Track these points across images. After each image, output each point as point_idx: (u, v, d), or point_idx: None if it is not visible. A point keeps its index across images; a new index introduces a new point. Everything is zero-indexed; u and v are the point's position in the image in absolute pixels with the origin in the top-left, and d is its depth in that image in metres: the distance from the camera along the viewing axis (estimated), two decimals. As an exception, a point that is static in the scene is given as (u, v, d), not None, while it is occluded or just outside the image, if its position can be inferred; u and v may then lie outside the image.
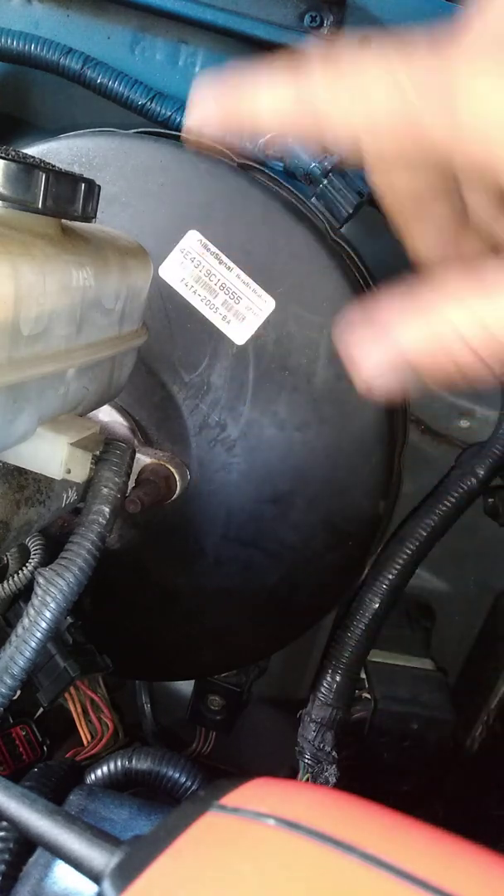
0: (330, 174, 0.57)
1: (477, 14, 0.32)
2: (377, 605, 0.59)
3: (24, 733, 0.69)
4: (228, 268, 0.58)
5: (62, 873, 0.37)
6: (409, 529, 0.60)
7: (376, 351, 0.31)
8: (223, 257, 0.58)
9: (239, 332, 0.58)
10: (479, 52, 0.30)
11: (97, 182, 0.39)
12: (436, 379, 0.30)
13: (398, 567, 0.60)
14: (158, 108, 0.61)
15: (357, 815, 0.32)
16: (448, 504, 0.60)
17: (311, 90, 0.31)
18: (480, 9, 0.32)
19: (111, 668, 0.64)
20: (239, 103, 0.33)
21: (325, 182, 0.58)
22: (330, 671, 0.59)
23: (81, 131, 0.62)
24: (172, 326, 0.59)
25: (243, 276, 0.58)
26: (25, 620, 0.43)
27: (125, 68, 0.61)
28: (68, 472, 0.41)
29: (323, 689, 0.59)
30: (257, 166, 0.61)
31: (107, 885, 0.29)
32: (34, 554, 0.60)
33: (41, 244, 0.35)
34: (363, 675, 0.66)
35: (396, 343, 0.30)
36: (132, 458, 0.49)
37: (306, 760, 0.58)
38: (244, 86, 0.32)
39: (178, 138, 0.61)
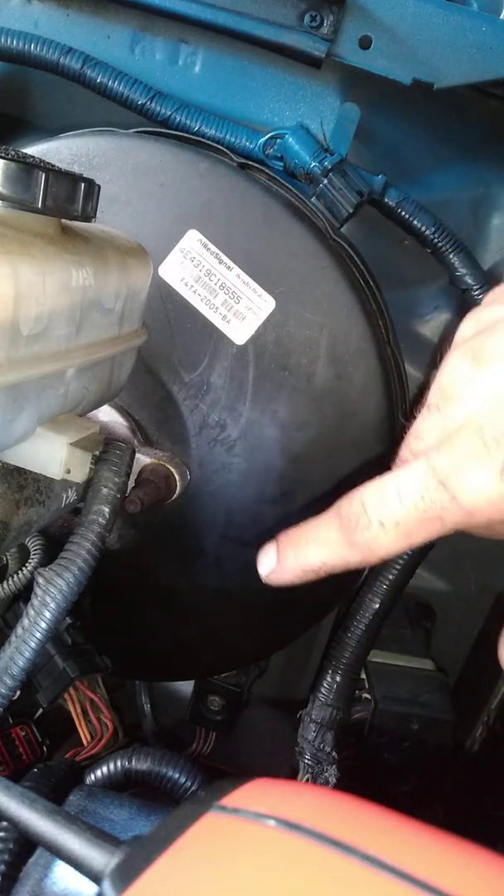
0: (330, 174, 0.57)
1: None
2: (377, 606, 0.59)
3: (23, 734, 0.69)
4: (228, 267, 0.58)
5: (62, 873, 0.37)
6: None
7: None
8: (223, 257, 0.58)
9: (239, 331, 0.58)
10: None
11: (97, 181, 0.39)
12: None
13: (398, 567, 0.60)
14: (158, 108, 0.61)
15: (357, 815, 0.32)
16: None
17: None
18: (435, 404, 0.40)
19: (110, 668, 0.64)
20: (298, 563, 0.45)
21: (326, 182, 0.58)
22: (330, 671, 0.59)
23: (81, 131, 0.62)
24: (172, 326, 0.59)
25: (243, 275, 0.58)
26: (25, 621, 0.43)
27: (125, 68, 0.61)
28: (68, 472, 0.41)
29: (323, 690, 0.59)
30: (257, 166, 0.61)
31: (107, 886, 0.29)
32: (34, 554, 0.60)
33: (41, 244, 0.35)
34: (363, 676, 0.66)
35: None
36: (132, 458, 0.49)
37: (306, 761, 0.58)
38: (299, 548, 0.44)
39: (178, 138, 0.61)
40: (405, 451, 0.43)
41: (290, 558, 0.45)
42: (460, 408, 0.38)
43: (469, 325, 0.42)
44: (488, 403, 0.37)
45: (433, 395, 0.41)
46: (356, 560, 0.42)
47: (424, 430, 0.41)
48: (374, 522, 0.40)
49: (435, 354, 0.70)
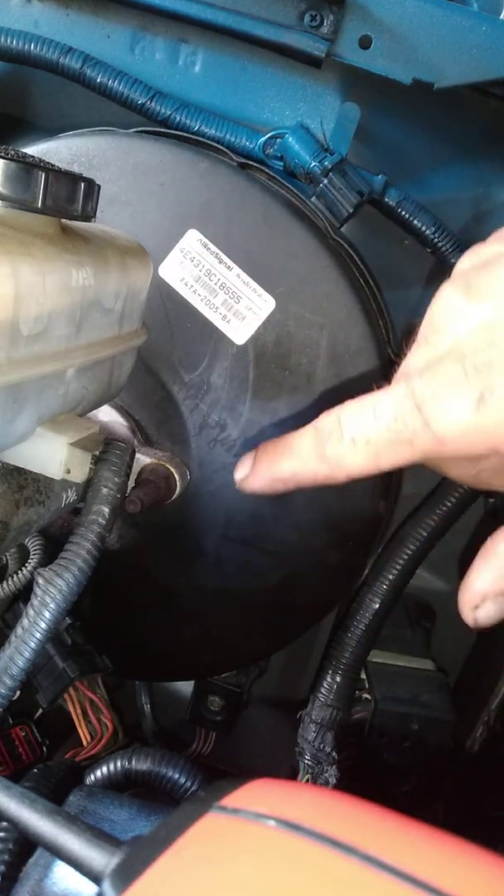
0: (330, 173, 0.57)
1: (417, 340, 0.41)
2: (377, 606, 0.59)
3: (23, 734, 0.69)
4: (228, 267, 0.58)
5: (62, 874, 0.37)
6: (409, 530, 0.60)
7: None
8: (223, 257, 0.58)
9: (239, 331, 0.58)
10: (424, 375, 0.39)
11: (97, 181, 0.39)
12: None
13: (398, 567, 0.60)
14: (158, 108, 0.61)
15: (357, 816, 0.32)
16: (448, 504, 0.59)
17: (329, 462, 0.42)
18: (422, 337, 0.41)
19: (110, 668, 0.64)
20: (270, 471, 0.45)
21: (326, 181, 0.58)
22: (330, 671, 0.59)
23: (81, 131, 0.62)
24: (172, 326, 0.59)
25: (243, 275, 0.58)
26: (25, 621, 0.43)
27: (125, 67, 0.61)
28: (68, 472, 0.41)
29: (323, 690, 0.59)
30: (257, 166, 0.61)
31: (107, 886, 0.29)
32: (33, 554, 0.60)
33: (41, 244, 0.35)
34: (363, 676, 0.66)
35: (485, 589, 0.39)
36: (132, 458, 0.49)
37: (306, 761, 0.58)
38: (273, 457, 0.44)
39: (178, 137, 0.61)
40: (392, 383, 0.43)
41: (264, 466, 0.45)
42: (447, 338, 0.38)
43: (467, 260, 0.42)
44: (475, 333, 0.37)
45: (423, 327, 0.41)
46: (323, 474, 0.42)
47: (412, 361, 0.41)
48: (347, 438, 0.40)
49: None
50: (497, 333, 0.36)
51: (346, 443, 0.40)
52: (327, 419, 0.42)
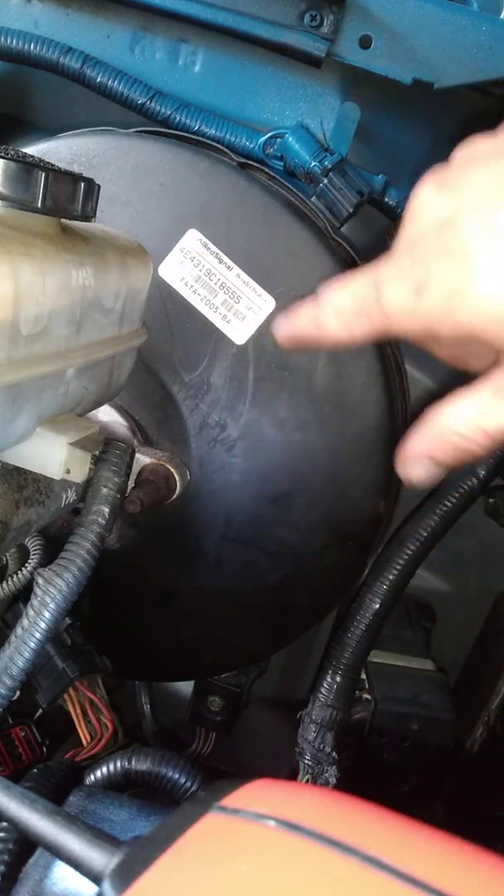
0: (330, 173, 0.57)
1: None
2: (377, 606, 0.59)
3: (23, 734, 0.69)
4: (228, 267, 0.58)
5: (62, 874, 0.37)
6: (409, 530, 0.60)
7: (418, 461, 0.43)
8: (223, 256, 0.58)
9: (239, 331, 0.58)
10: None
11: (97, 181, 0.39)
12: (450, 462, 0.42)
13: (399, 567, 0.60)
14: (158, 107, 0.61)
15: (357, 816, 0.32)
16: (448, 504, 0.60)
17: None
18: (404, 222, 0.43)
19: (110, 669, 0.64)
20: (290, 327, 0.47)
21: (326, 181, 0.58)
22: (330, 672, 0.59)
23: (81, 130, 0.62)
24: (172, 326, 0.59)
25: (243, 275, 0.58)
26: (24, 621, 0.43)
27: (125, 67, 0.61)
28: (67, 472, 0.41)
29: (323, 690, 0.59)
30: (257, 165, 0.61)
31: (107, 886, 0.29)
32: (33, 554, 0.59)
33: (41, 243, 0.35)
34: (363, 676, 0.66)
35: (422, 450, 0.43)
36: (132, 458, 0.49)
37: (306, 761, 0.58)
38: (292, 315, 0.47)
39: (178, 137, 0.61)
40: None
41: (286, 324, 0.48)
42: (413, 226, 0.41)
43: (461, 153, 0.44)
44: (430, 225, 0.39)
45: (405, 211, 0.43)
46: (312, 335, 0.46)
47: (394, 243, 0.44)
48: (329, 308, 0.44)
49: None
50: (447, 227, 0.38)
51: (329, 312, 0.44)
52: (323, 289, 0.46)
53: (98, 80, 0.60)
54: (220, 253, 0.58)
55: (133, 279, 0.45)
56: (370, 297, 0.42)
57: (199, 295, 0.58)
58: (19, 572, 0.60)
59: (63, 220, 0.39)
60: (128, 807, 0.44)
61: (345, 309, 0.43)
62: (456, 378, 0.40)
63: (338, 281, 0.45)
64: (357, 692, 0.63)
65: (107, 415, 0.59)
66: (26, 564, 0.60)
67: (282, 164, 0.60)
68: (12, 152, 0.36)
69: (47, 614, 0.43)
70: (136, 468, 0.54)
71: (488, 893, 0.28)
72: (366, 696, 0.65)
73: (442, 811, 0.71)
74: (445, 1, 0.56)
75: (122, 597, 0.66)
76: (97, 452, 0.46)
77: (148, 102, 0.61)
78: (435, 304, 0.38)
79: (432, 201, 0.40)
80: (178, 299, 0.58)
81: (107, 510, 0.45)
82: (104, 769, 0.49)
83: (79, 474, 0.42)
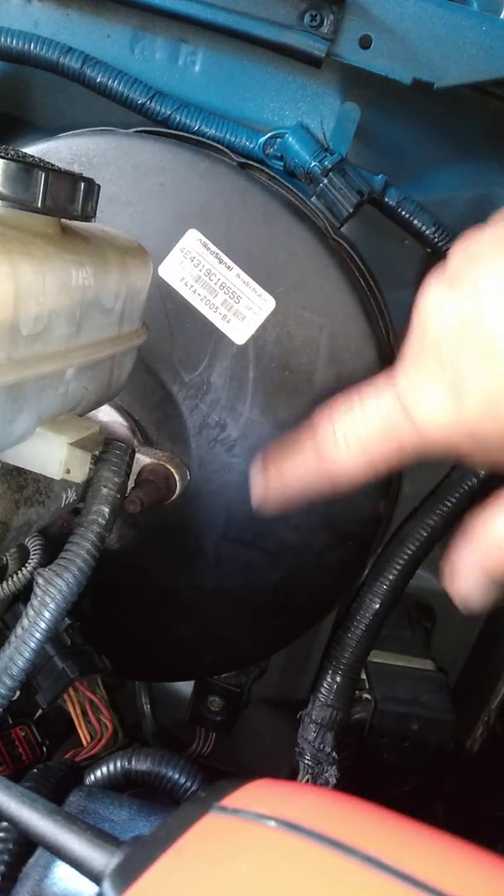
0: (330, 173, 0.57)
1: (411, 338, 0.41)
2: (377, 606, 0.59)
3: (23, 734, 0.69)
4: (228, 267, 0.58)
5: (62, 874, 0.37)
6: (409, 530, 0.60)
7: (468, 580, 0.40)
8: (223, 256, 0.58)
9: (239, 331, 0.58)
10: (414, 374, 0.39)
11: (97, 181, 0.39)
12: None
13: (399, 567, 0.59)
14: (158, 107, 0.61)
15: (358, 816, 0.32)
16: (448, 504, 0.59)
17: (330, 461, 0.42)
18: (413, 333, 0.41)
19: (110, 669, 0.64)
20: (280, 478, 0.45)
21: (326, 181, 0.58)
22: (330, 672, 0.59)
23: (81, 130, 0.62)
24: (172, 326, 0.59)
25: (243, 275, 0.58)
26: (24, 621, 0.43)
27: (125, 67, 0.61)
28: (68, 472, 0.41)
29: (323, 690, 0.59)
30: (257, 165, 0.61)
31: (107, 886, 0.29)
32: (33, 554, 0.59)
33: (41, 243, 0.35)
34: (363, 676, 0.66)
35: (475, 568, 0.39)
36: (132, 458, 0.49)
37: (306, 761, 0.58)
38: (279, 463, 0.44)
39: (178, 137, 0.61)
40: None
41: (274, 475, 0.45)
42: (430, 329, 0.39)
43: (457, 250, 0.42)
44: (452, 325, 0.37)
45: (413, 318, 0.41)
46: (324, 477, 0.42)
47: (404, 352, 0.42)
48: (340, 439, 0.40)
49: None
50: (472, 326, 0.37)
51: (340, 444, 0.40)
52: (321, 420, 0.42)
53: (98, 80, 0.60)
54: (220, 253, 0.58)
55: (133, 279, 0.45)
56: (396, 415, 0.38)
57: (199, 295, 0.58)
58: (19, 572, 0.60)
59: (63, 220, 0.39)
60: (128, 807, 0.44)
61: (363, 435, 0.39)
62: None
63: (336, 407, 0.41)
64: (357, 692, 0.63)
65: (107, 415, 0.59)
66: (26, 564, 0.60)
67: (282, 164, 0.60)
68: (12, 152, 0.36)
69: (47, 614, 0.43)
70: (136, 468, 0.54)
71: (488, 894, 0.28)
72: (366, 696, 0.65)
73: (442, 811, 0.71)
74: (445, 1, 0.56)
75: (122, 597, 0.66)
76: (97, 452, 0.46)
77: (148, 102, 0.61)
78: (476, 407, 0.36)
79: (446, 303, 0.38)
80: (178, 299, 0.58)
81: (107, 510, 0.45)
82: (104, 769, 0.49)
83: (79, 474, 0.42)
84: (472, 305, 0.37)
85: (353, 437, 0.40)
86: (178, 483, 0.58)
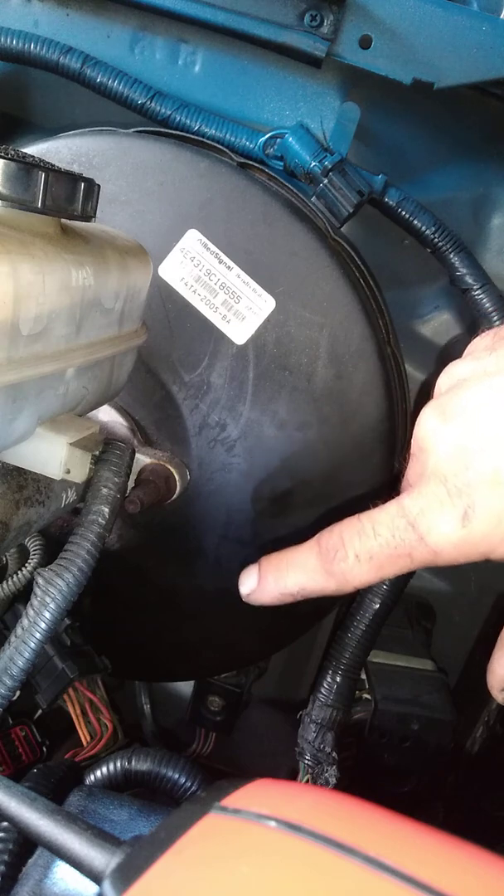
0: (330, 173, 0.57)
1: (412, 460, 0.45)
2: (377, 606, 0.59)
3: (23, 734, 0.68)
4: (228, 267, 0.58)
5: (62, 874, 0.37)
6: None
7: None
8: (223, 256, 0.58)
9: (239, 331, 0.58)
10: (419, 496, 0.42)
11: (97, 181, 0.39)
12: None
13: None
14: (158, 107, 0.61)
15: (358, 817, 0.32)
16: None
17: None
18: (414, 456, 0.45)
19: (109, 669, 0.64)
20: (277, 587, 0.49)
21: (326, 181, 0.58)
22: (330, 672, 0.59)
23: (81, 130, 0.62)
24: (172, 326, 0.59)
25: (243, 275, 0.58)
26: (24, 621, 0.43)
27: (125, 67, 0.61)
28: (68, 472, 0.41)
29: (323, 690, 0.59)
30: (257, 165, 0.61)
31: (107, 886, 0.29)
32: (33, 554, 0.59)
33: (41, 243, 0.35)
34: (364, 676, 0.66)
35: None
36: (132, 458, 0.49)
37: (306, 761, 0.58)
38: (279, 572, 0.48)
39: (178, 137, 0.61)
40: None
41: (271, 581, 0.49)
42: (430, 458, 0.42)
43: (444, 379, 0.46)
44: (451, 454, 0.41)
45: (412, 446, 0.45)
46: (331, 588, 0.46)
47: (408, 475, 0.46)
48: (350, 555, 0.44)
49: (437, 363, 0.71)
50: (470, 455, 0.40)
51: (350, 560, 0.44)
52: (330, 538, 0.46)
53: (98, 80, 0.60)
54: (220, 253, 0.58)
55: (133, 279, 0.45)
56: (409, 537, 0.41)
57: (199, 295, 0.58)
58: (19, 572, 0.60)
59: (63, 220, 0.39)
60: (128, 807, 0.44)
61: (377, 553, 0.42)
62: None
63: (345, 527, 0.44)
64: (357, 692, 0.62)
65: (107, 415, 0.59)
66: (26, 564, 0.60)
67: (282, 164, 0.60)
68: (12, 152, 0.36)
69: (47, 614, 0.43)
70: (136, 468, 0.54)
71: (488, 894, 0.28)
72: (366, 696, 0.65)
73: (442, 811, 0.71)
74: (445, 1, 0.56)
75: (122, 597, 0.66)
76: (97, 452, 0.46)
77: (148, 102, 0.61)
78: (487, 529, 0.39)
79: (441, 431, 0.42)
80: (178, 299, 0.58)
81: (107, 510, 0.45)
82: (104, 769, 0.49)
83: (79, 474, 0.42)
84: (466, 434, 0.40)
85: (365, 553, 0.43)
86: (178, 483, 0.58)
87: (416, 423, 0.44)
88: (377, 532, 0.43)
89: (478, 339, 0.47)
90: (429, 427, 0.43)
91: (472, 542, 0.40)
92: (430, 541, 0.41)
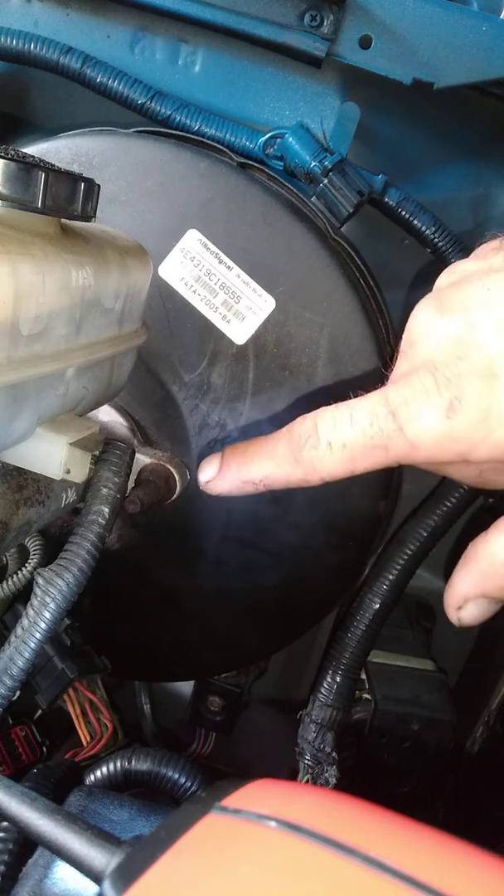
0: (330, 173, 0.57)
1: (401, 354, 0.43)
2: (378, 606, 0.59)
3: (23, 734, 0.68)
4: (228, 267, 0.58)
5: (62, 874, 0.37)
6: (409, 530, 0.60)
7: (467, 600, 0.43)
8: (223, 256, 0.58)
9: (239, 331, 0.58)
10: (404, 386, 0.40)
11: (97, 181, 0.39)
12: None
13: (399, 567, 0.59)
14: (158, 107, 0.61)
15: (358, 817, 0.32)
16: (448, 504, 0.59)
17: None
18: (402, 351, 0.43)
19: (109, 669, 0.64)
20: (239, 474, 0.46)
21: (326, 181, 0.58)
22: (330, 672, 0.59)
23: (81, 130, 0.62)
24: (172, 326, 0.59)
25: (243, 275, 0.58)
26: (24, 621, 0.43)
27: (125, 67, 0.61)
28: (67, 472, 0.41)
29: (323, 690, 0.59)
30: (257, 165, 0.61)
31: (107, 886, 0.29)
32: (33, 554, 0.59)
33: (41, 243, 0.35)
34: (363, 676, 0.66)
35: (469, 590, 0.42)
36: (132, 458, 0.49)
37: (306, 761, 0.58)
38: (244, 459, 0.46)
39: (178, 137, 0.61)
40: None
41: (234, 468, 0.46)
42: (422, 350, 0.40)
43: (445, 277, 0.44)
44: (446, 346, 0.39)
45: (403, 342, 0.43)
46: (297, 476, 0.43)
47: (393, 373, 0.43)
48: (323, 442, 0.41)
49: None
50: (466, 347, 0.38)
51: (322, 447, 0.41)
52: (303, 424, 0.43)
53: (98, 80, 0.60)
54: (220, 253, 0.58)
55: (133, 279, 0.45)
56: (387, 427, 0.39)
57: (199, 295, 0.58)
58: (19, 572, 0.60)
59: (63, 220, 0.39)
60: (128, 807, 0.44)
61: (351, 442, 0.40)
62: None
63: (321, 414, 0.42)
64: (357, 692, 0.62)
65: (107, 415, 0.59)
66: (26, 564, 0.60)
67: (282, 164, 0.60)
68: (12, 152, 0.36)
69: (47, 614, 0.43)
70: (136, 468, 0.54)
71: (488, 894, 0.28)
72: (366, 696, 0.65)
73: (442, 811, 0.71)
74: (445, 1, 0.56)
75: (122, 597, 0.66)
76: (97, 452, 0.46)
77: (148, 102, 0.61)
78: (470, 425, 0.37)
79: (437, 324, 0.40)
80: (178, 299, 0.58)
81: (107, 510, 0.45)
82: (104, 769, 0.49)
83: (79, 474, 0.42)
84: (463, 326, 0.38)
85: (339, 440, 0.41)
86: (178, 483, 0.58)
87: (411, 317, 0.42)
88: (354, 419, 0.40)
89: (484, 244, 0.45)
90: (424, 320, 0.40)
91: (453, 438, 0.38)
92: (409, 432, 0.39)
